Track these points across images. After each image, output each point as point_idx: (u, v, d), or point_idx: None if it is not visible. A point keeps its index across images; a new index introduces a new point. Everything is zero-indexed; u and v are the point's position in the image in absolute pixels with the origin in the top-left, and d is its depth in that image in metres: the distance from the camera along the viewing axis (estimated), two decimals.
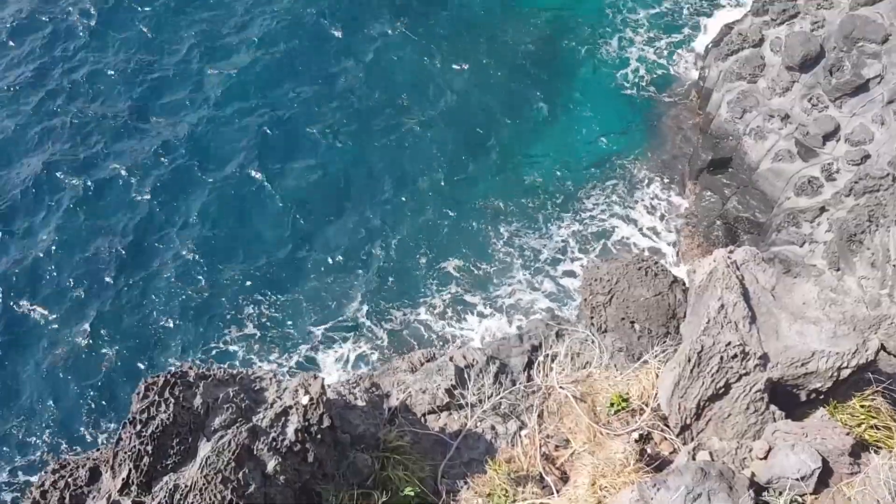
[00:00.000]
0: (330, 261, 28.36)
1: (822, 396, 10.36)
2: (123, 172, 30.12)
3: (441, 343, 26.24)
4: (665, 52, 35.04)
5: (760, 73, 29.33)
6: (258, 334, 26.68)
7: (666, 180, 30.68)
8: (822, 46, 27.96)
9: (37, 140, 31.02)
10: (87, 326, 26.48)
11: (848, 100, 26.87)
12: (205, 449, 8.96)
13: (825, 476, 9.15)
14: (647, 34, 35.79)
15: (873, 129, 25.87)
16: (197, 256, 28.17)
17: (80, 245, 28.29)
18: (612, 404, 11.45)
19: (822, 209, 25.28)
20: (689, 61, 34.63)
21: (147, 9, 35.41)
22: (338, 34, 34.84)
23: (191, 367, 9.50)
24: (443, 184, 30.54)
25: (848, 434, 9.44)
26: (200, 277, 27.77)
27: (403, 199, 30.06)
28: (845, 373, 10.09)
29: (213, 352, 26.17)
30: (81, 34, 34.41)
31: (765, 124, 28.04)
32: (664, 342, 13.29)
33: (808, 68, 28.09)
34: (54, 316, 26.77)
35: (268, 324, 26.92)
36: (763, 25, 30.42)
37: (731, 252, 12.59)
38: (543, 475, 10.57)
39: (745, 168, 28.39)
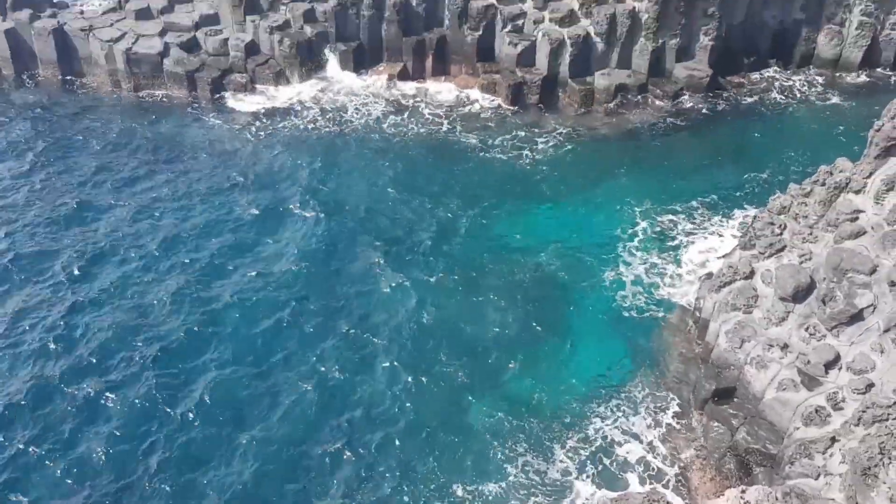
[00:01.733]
0: (333, 492, 27.41)
1: None
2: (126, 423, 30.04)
3: None
4: (660, 279, 36.33)
5: (755, 304, 30.00)
6: None
7: (672, 409, 30.37)
8: (811, 278, 28.83)
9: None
10: None
11: (845, 328, 27.25)
12: None
13: None
14: (643, 260, 37.42)
15: (874, 357, 26.01)
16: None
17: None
18: None
19: (833, 439, 24.79)
20: (684, 288, 35.73)
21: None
22: (338, 284, 35.99)
23: None
24: (445, 408, 30.45)
25: None
26: None
27: (406, 429, 29.69)
28: None
29: None
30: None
31: (765, 354, 28.25)
32: None
33: (801, 299, 28.79)
34: None
35: None
36: (752, 258, 31.57)
37: (743, 492, 12.28)
38: None
39: (750, 398, 28.22)
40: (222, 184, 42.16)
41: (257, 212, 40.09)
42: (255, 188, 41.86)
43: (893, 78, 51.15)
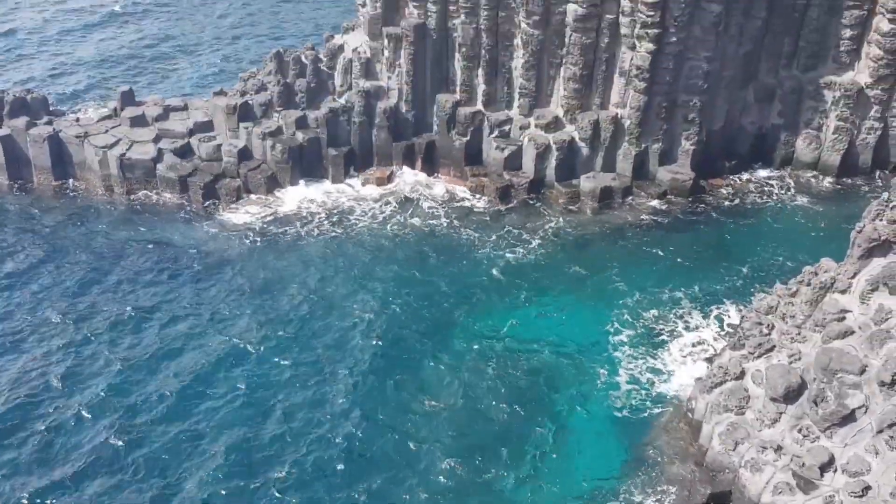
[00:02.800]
0: None
1: None
2: None
3: None
4: (651, 376, 36.31)
5: (747, 405, 29.82)
6: None
7: None
8: (802, 378, 28.77)
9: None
10: None
11: (837, 430, 27.02)
12: None
13: None
14: (632, 358, 37.42)
15: (869, 459, 25.73)
16: None
17: None
18: None
19: None
20: (674, 385, 35.59)
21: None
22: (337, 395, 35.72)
23: None
24: None
25: None
26: None
27: None
28: None
29: None
30: None
31: (759, 456, 27.89)
32: None
33: (792, 399, 28.65)
34: None
35: None
36: (742, 359, 31.56)
37: None
38: None
39: (746, 502, 27.69)
40: (210, 292, 42.24)
41: (257, 323, 40.01)
42: (248, 298, 41.77)
43: (864, 187, 52.24)
